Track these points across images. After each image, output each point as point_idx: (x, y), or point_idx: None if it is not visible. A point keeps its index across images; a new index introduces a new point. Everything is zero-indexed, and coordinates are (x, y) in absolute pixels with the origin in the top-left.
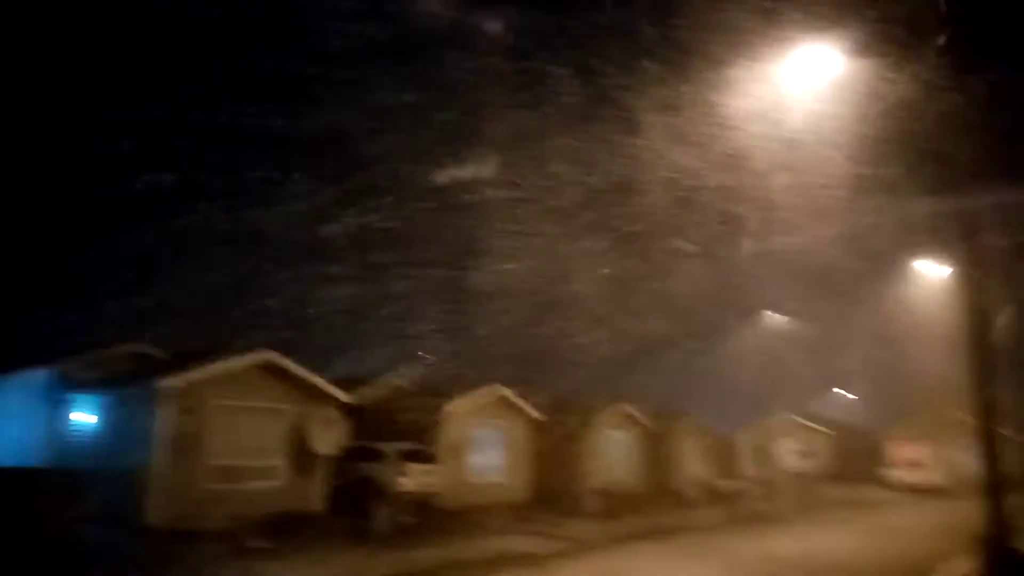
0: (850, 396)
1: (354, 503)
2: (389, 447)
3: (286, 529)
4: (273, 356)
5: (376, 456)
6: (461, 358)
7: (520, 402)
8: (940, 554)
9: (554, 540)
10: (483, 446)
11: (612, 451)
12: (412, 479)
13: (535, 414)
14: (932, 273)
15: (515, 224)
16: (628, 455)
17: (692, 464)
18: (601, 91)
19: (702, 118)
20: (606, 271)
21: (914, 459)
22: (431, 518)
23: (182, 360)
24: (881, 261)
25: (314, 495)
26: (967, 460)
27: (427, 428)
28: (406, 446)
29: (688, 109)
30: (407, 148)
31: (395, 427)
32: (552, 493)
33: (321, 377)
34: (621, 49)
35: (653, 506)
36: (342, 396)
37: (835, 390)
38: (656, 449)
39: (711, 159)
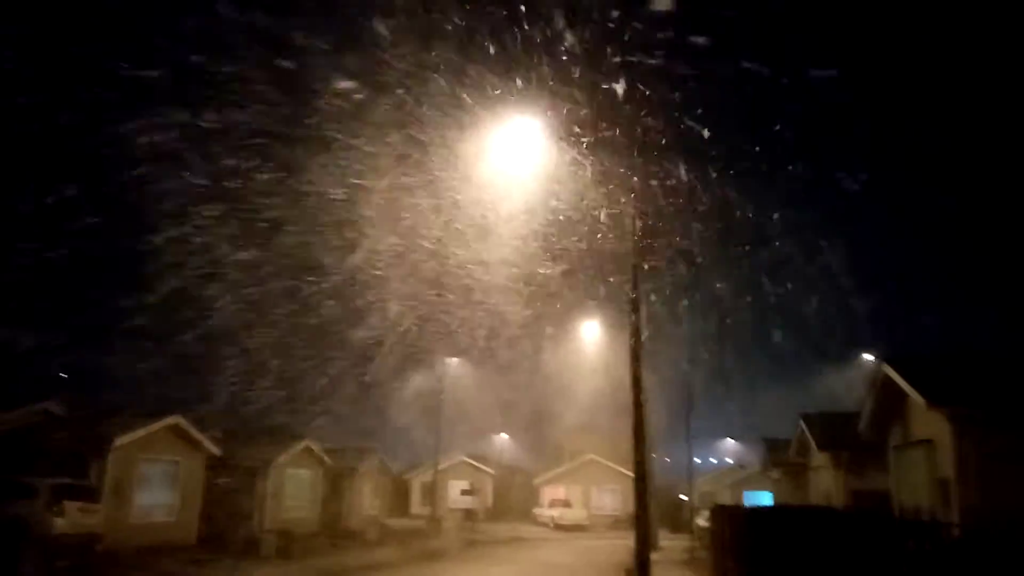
0: (512, 440)
1: None
2: (40, 482)
3: None
4: None
5: (25, 492)
6: (131, 384)
7: (197, 435)
8: None
9: None
10: (153, 482)
11: (292, 489)
12: (68, 519)
13: (212, 448)
14: (597, 335)
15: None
16: (308, 493)
17: (369, 503)
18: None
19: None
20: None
21: (563, 499)
22: (91, 563)
23: None
24: (558, 321)
25: None
26: (603, 499)
27: (87, 461)
28: (61, 481)
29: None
30: None
31: (47, 458)
32: (227, 533)
33: None
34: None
35: (331, 546)
36: None
37: (501, 434)
38: (336, 487)
39: (409, 209)
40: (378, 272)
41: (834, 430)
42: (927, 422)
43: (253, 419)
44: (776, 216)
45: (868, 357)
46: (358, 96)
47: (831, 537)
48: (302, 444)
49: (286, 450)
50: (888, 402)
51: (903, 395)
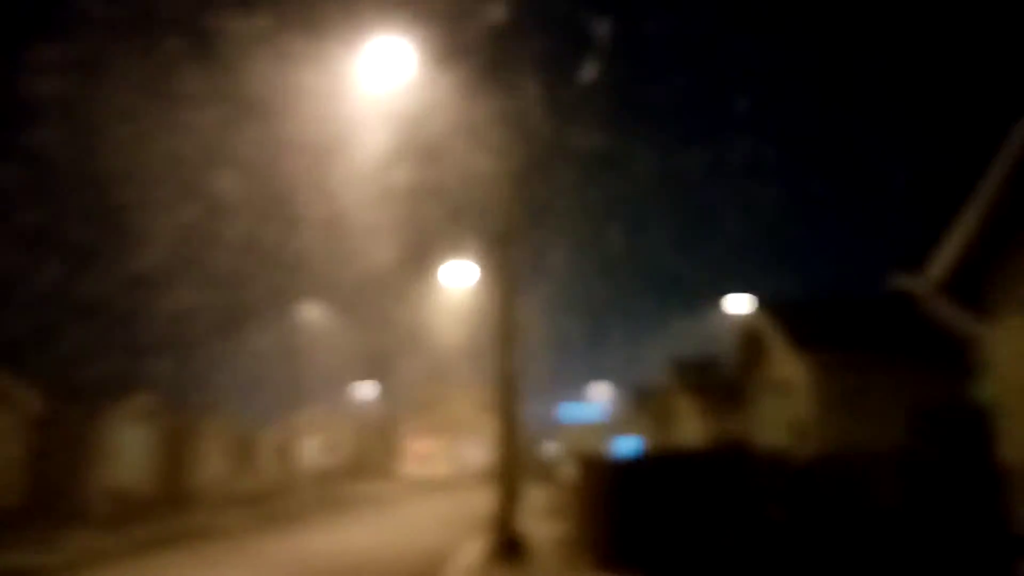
0: (375, 387)
1: None
2: None
3: None
4: None
5: None
6: None
7: (12, 389)
8: (459, 537)
9: (59, 552)
10: None
11: (127, 449)
12: None
13: (32, 402)
14: (464, 278)
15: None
16: (145, 453)
17: (214, 463)
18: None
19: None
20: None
21: (425, 453)
22: None
23: None
24: (421, 261)
25: None
26: (468, 453)
27: None
28: None
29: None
30: None
31: None
32: (53, 497)
33: None
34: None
35: (173, 509)
36: None
37: (362, 382)
38: (177, 447)
39: (257, 140)
40: (223, 209)
41: (699, 374)
42: (786, 365)
43: (83, 373)
44: (653, 163)
45: (734, 304)
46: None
47: (691, 476)
48: (138, 400)
49: (119, 406)
50: (751, 347)
51: (765, 338)
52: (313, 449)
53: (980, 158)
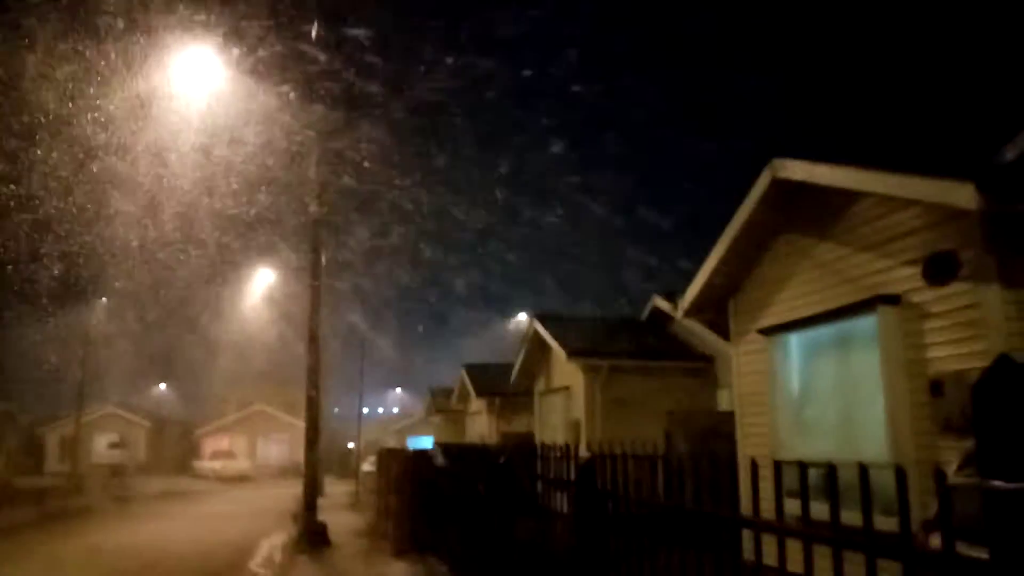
0: (169, 389)
1: None
2: None
3: None
4: None
5: None
6: None
7: None
8: (262, 530)
9: None
10: None
11: None
12: None
13: None
14: (269, 283)
15: None
16: None
17: None
18: None
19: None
20: None
21: (226, 450)
22: None
23: None
24: (229, 268)
25: None
26: (269, 450)
27: None
28: None
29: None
30: None
31: None
32: None
33: None
34: None
35: None
36: None
37: (159, 384)
38: None
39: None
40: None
41: (491, 379)
42: (565, 372)
43: None
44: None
45: (523, 315)
46: None
47: (479, 466)
48: None
49: None
50: (536, 354)
51: (548, 348)
52: (104, 445)
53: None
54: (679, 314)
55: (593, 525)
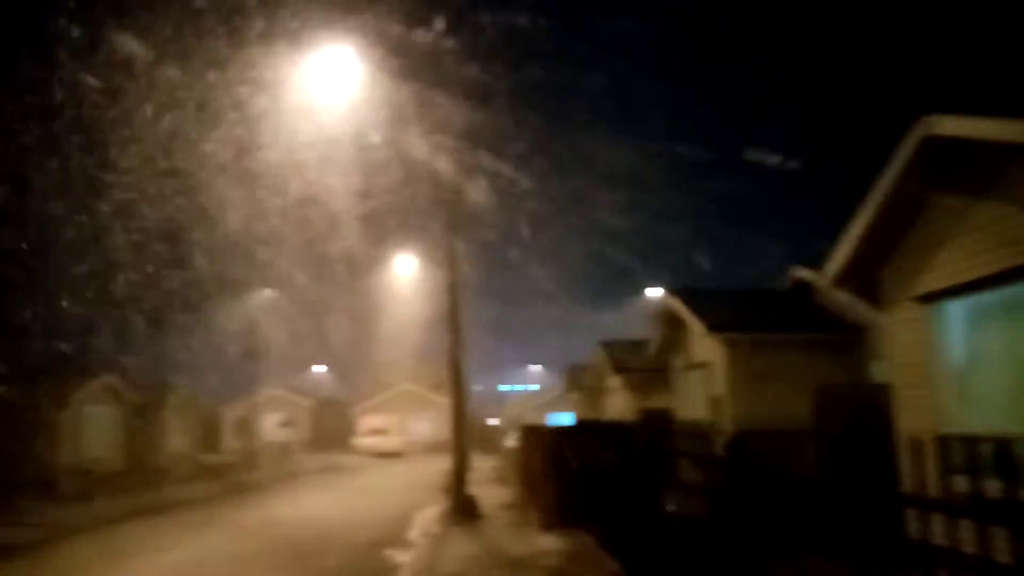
0: (329, 371)
1: None
2: None
3: None
4: None
5: None
6: None
7: None
8: (416, 503)
9: (32, 527)
10: None
11: (92, 427)
12: None
13: None
14: (412, 267)
15: None
16: (110, 431)
17: (178, 439)
18: None
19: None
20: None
21: (379, 428)
22: None
23: None
24: (376, 251)
25: None
26: (417, 427)
27: None
28: None
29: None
30: None
31: None
32: (18, 477)
33: None
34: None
35: (140, 484)
36: None
37: (317, 366)
38: (142, 424)
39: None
40: (190, 198)
41: (627, 355)
42: (705, 347)
43: (47, 355)
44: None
45: (658, 290)
46: None
47: (623, 443)
48: (101, 380)
49: (83, 387)
50: (674, 330)
51: (685, 323)
52: (273, 424)
53: (877, 159)
54: (824, 284)
55: (744, 502)
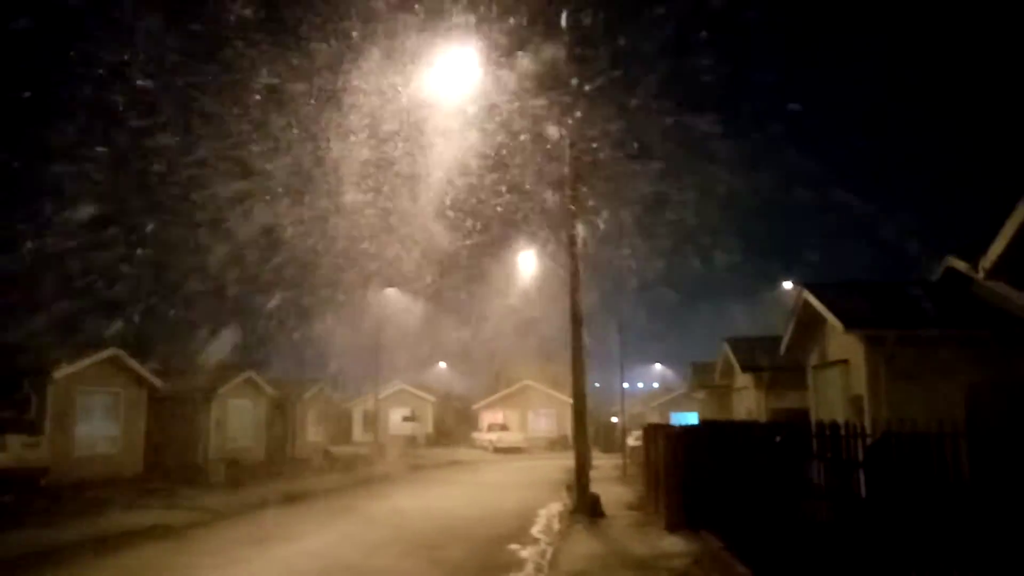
0: (451, 368)
1: None
2: None
3: None
4: None
5: None
6: (68, 316)
7: (137, 367)
8: (538, 499)
9: (188, 511)
10: (94, 415)
11: (236, 420)
12: (11, 453)
13: (154, 380)
14: (533, 265)
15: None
16: (252, 423)
17: (313, 431)
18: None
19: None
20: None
21: (501, 423)
22: (38, 497)
23: None
24: (498, 250)
25: None
26: (538, 423)
27: (25, 394)
28: (1, 415)
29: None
30: None
31: None
32: (172, 465)
33: None
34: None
35: (278, 473)
36: None
37: (440, 362)
38: (280, 417)
39: (351, 136)
40: (318, 204)
41: (756, 353)
42: (842, 344)
43: (195, 352)
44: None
45: (788, 285)
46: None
47: (753, 445)
48: (244, 375)
49: (228, 381)
50: (807, 326)
51: (821, 319)
52: (399, 418)
53: None
54: (980, 275)
55: (888, 509)
